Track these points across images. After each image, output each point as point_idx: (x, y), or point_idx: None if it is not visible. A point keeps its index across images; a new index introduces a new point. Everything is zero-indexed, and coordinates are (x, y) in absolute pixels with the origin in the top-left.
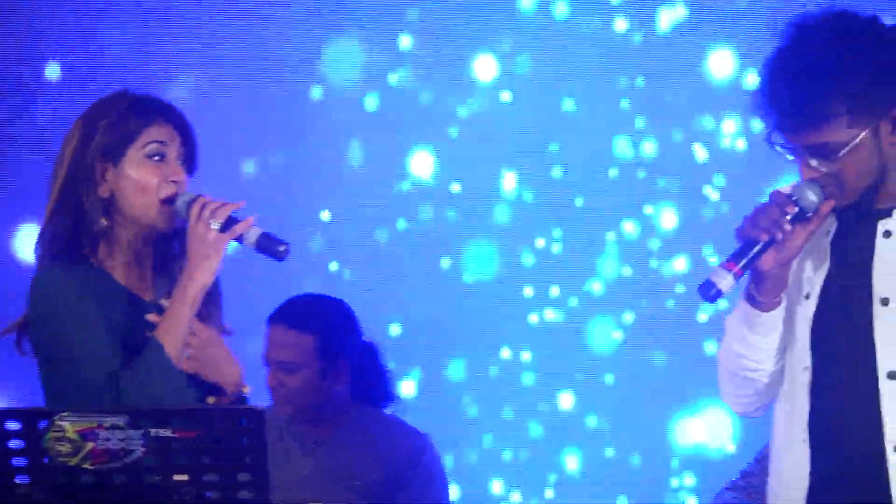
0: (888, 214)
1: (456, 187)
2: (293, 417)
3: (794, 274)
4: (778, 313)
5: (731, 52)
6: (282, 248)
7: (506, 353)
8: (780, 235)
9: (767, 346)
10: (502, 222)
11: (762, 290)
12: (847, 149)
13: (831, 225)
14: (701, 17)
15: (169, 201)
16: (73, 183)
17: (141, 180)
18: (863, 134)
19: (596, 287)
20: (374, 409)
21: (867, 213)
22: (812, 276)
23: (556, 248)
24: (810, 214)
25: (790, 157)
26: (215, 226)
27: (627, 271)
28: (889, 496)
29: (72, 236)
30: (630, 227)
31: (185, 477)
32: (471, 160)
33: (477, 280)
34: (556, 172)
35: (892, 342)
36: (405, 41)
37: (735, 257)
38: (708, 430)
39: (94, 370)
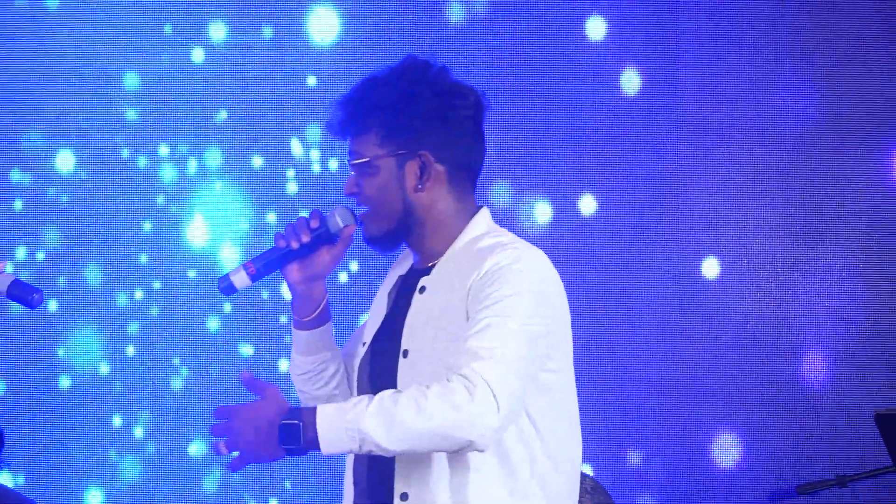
0: (428, 273)
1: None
2: None
3: (369, 319)
4: (312, 336)
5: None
6: (35, 296)
7: None
8: (294, 244)
9: (305, 367)
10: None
11: (293, 305)
12: (362, 160)
13: (395, 281)
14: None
15: None
16: None
17: None
18: (384, 156)
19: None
20: None
21: (416, 271)
22: (372, 328)
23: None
24: (337, 238)
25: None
26: None
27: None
28: None
29: None
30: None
31: None
32: None
33: None
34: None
35: None
36: None
37: (257, 258)
38: None
39: None
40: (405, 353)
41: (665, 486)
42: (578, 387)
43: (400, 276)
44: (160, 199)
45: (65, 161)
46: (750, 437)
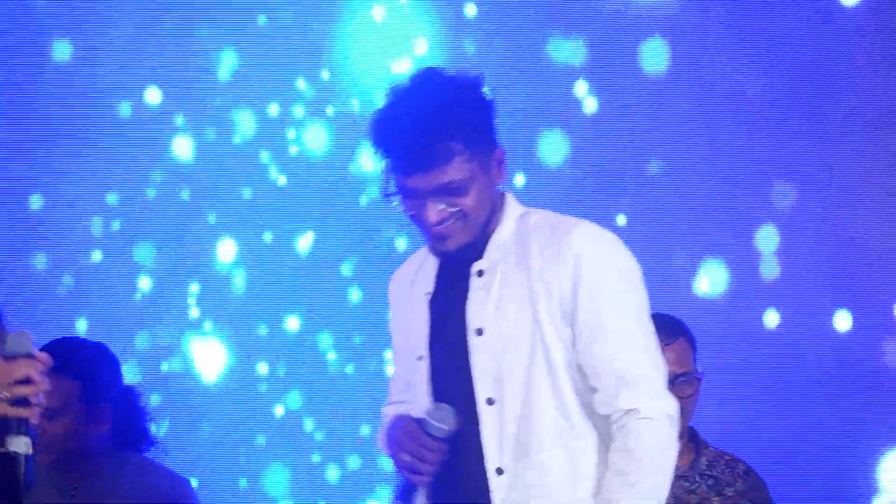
0: (480, 256)
1: None
2: (53, 463)
3: (405, 338)
4: None
5: None
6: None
7: None
8: (430, 471)
9: None
10: None
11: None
12: (458, 183)
13: (430, 287)
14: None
15: None
16: None
17: None
18: (475, 169)
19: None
20: (134, 454)
21: (461, 261)
22: (420, 338)
23: None
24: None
25: (402, 206)
26: None
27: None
28: None
29: None
30: None
31: None
32: None
33: None
34: None
35: (488, 370)
36: None
37: (402, 495)
38: None
39: None
40: (479, 332)
41: None
42: None
43: (434, 277)
44: (185, 194)
45: None
46: (787, 458)
